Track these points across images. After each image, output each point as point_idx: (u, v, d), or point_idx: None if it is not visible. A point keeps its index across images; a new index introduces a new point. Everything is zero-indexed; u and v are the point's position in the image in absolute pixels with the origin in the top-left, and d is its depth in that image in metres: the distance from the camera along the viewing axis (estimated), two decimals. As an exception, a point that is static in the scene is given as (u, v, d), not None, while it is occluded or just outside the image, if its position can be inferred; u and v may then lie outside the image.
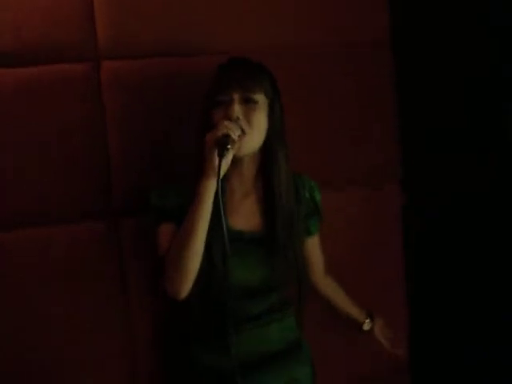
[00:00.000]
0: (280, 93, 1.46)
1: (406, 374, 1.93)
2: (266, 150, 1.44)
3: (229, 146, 1.27)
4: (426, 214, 1.87)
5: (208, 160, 1.29)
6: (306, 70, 1.79)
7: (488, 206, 1.68)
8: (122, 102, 1.62)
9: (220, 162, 1.27)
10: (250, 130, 1.36)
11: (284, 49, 1.76)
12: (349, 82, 1.83)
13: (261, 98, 1.39)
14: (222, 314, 1.39)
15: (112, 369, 1.67)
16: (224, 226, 1.27)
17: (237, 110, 1.36)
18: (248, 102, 1.37)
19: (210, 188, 1.29)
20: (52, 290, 1.60)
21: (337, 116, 1.82)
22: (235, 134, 1.30)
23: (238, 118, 1.34)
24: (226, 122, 1.31)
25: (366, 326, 1.71)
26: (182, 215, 1.35)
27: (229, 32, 1.70)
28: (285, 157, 1.45)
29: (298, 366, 1.53)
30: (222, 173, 1.28)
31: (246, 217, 1.46)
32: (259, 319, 1.46)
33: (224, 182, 1.38)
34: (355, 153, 1.85)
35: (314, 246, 1.60)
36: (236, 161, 1.38)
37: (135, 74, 1.62)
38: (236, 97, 1.36)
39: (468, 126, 1.76)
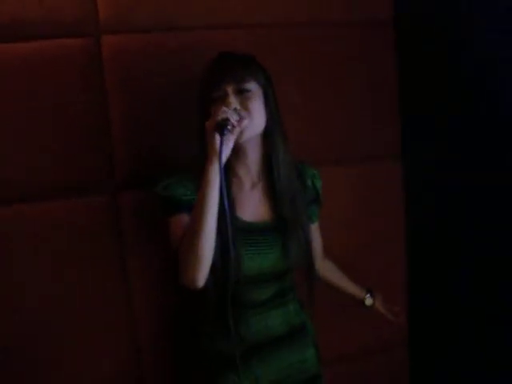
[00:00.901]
0: (272, 82, 1.46)
1: (405, 347, 1.96)
2: (266, 138, 1.45)
3: (229, 127, 1.28)
4: (426, 190, 1.87)
5: (210, 145, 1.30)
6: (308, 47, 1.79)
7: (488, 181, 1.68)
8: (122, 77, 1.61)
9: (222, 141, 1.27)
10: (250, 117, 1.37)
11: (285, 26, 1.76)
12: (351, 61, 1.84)
13: (254, 87, 1.41)
14: (232, 300, 1.40)
15: (112, 344, 1.68)
16: (227, 210, 1.28)
17: (233, 101, 1.37)
18: (242, 93, 1.39)
19: (215, 172, 1.29)
20: (52, 264, 1.61)
21: (338, 93, 1.82)
22: (234, 118, 1.31)
23: (235, 109, 1.35)
24: (224, 108, 1.31)
25: (368, 302, 1.74)
26: (192, 206, 1.36)
27: (229, 7, 1.69)
28: (283, 142, 1.47)
29: (302, 349, 1.57)
30: (225, 157, 1.29)
31: (254, 207, 1.48)
32: (265, 305, 1.49)
33: (229, 174, 1.41)
34: (356, 129, 1.85)
35: (314, 232, 1.61)
36: (239, 150, 1.41)
37: (136, 49, 1.62)
38: (230, 89, 1.38)
39: (470, 105, 1.76)
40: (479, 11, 1.66)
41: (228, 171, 1.40)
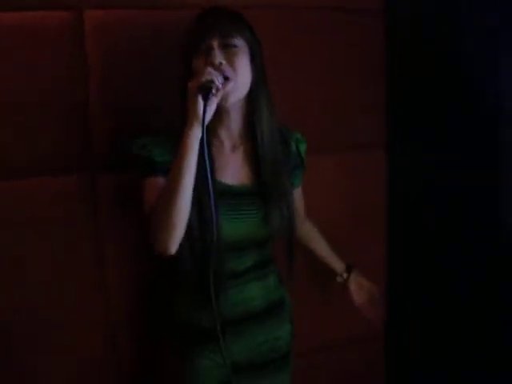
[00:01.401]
0: (260, 42, 1.43)
1: (381, 341, 1.95)
2: (250, 99, 1.41)
3: (213, 91, 1.24)
4: (410, 179, 1.86)
5: (191, 108, 1.26)
6: (296, 31, 1.76)
7: (472, 173, 1.67)
8: (104, 52, 1.57)
9: (205, 106, 1.23)
10: (235, 76, 1.33)
11: (275, 7, 1.73)
12: (338, 47, 1.81)
13: (241, 43, 1.37)
14: (207, 269, 1.35)
15: (87, 325, 1.64)
16: (209, 177, 1.24)
17: (218, 55, 1.33)
18: (228, 47, 1.35)
19: (195, 137, 1.25)
20: (26, 244, 1.57)
21: (323, 80, 1.80)
22: (218, 80, 1.27)
23: (220, 64, 1.32)
24: (209, 69, 1.28)
25: (339, 279, 1.70)
26: (168, 169, 1.32)
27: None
28: (267, 104, 1.43)
29: (279, 324, 1.54)
30: (207, 121, 1.24)
31: (235, 170, 1.44)
32: (243, 276, 1.45)
33: (210, 135, 1.36)
34: (342, 117, 1.84)
35: (296, 196, 1.56)
36: (222, 112, 1.37)
37: (118, 25, 1.57)
38: (215, 43, 1.34)
39: (457, 96, 1.74)
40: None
41: (209, 132, 1.32)
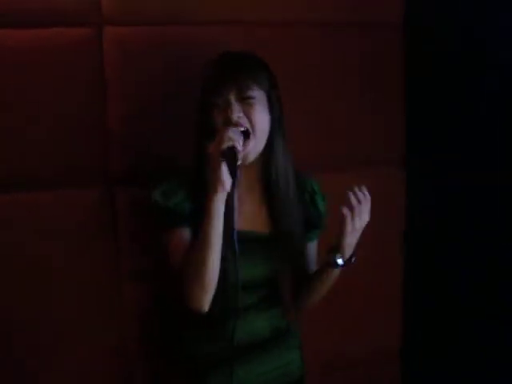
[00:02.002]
0: (276, 82, 1.43)
1: (396, 359, 1.93)
2: (267, 142, 1.41)
3: (239, 163, 1.26)
4: (429, 200, 1.84)
5: (214, 173, 1.27)
6: (315, 47, 1.76)
7: (499, 192, 1.64)
8: (123, 69, 1.59)
9: (234, 181, 1.26)
10: (253, 131, 1.34)
11: (292, 25, 1.73)
12: (356, 63, 1.80)
13: (258, 93, 1.37)
14: (221, 305, 1.39)
15: (99, 341, 1.66)
16: (235, 238, 1.30)
17: (235, 110, 1.33)
18: (245, 99, 1.35)
19: (220, 202, 1.28)
20: (44, 256, 1.58)
21: (341, 96, 1.79)
22: (240, 143, 1.28)
23: (238, 118, 1.33)
24: (230, 133, 1.28)
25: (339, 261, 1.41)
26: (193, 217, 1.35)
27: (233, 3, 1.66)
28: (285, 151, 1.43)
29: (287, 351, 1.54)
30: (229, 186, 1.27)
31: (251, 215, 1.44)
32: (251, 309, 1.45)
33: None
34: (359, 134, 1.82)
35: (310, 250, 1.55)
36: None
37: (138, 42, 1.59)
38: (232, 98, 1.34)
39: (481, 112, 1.71)
40: (492, 12, 1.63)
41: None
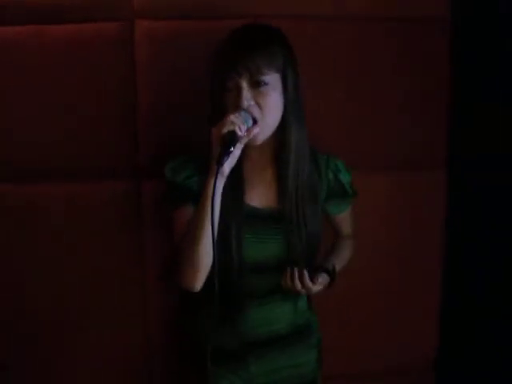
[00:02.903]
0: (294, 60, 1.36)
1: (432, 371, 1.82)
2: (282, 123, 1.35)
3: (231, 149, 1.21)
4: (472, 204, 1.72)
5: (213, 155, 1.24)
6: (356, 43, 1.68)
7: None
8: (154, 63, 1.60)
9: (222, 158, 1.20)
10: (263, 118, 1.29)
11: (332, 19, 1.66)
12: (398, 60, 1.70)
13: (272, 78, 1.30)
14: (232, 290, 1.36)
15: (124, 332, 1.69)
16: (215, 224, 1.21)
17: (246, 96, 1.28)
18: (258, 85, 1.29)
19: (214, 185, 1.23)
20: (68, 247, 1.63)
21: (379, 93, 1.70)
22: (242, 129, 1.23)
23: (249, 106, 1.28)
24: (233, 117, 1.23)
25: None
26: (198, 196, 1.32)
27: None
28: (299, 129, 1.37)
29: (304, 350, 1.49)
30: (228, 169, 1.24)
31: (263, 191, 1.41)
32: (265, 297, 1.41)
33: (242, 156, 1.30)
34: (399, 134, 1.72)
35: (340, 220, 1.55)
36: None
37: (169, 35, 1.59)
38: (244, 82, 1.28)
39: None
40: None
41: (241, 153, 1.29)
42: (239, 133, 1.23)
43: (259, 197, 1.41)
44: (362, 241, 1.64)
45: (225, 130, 1.22)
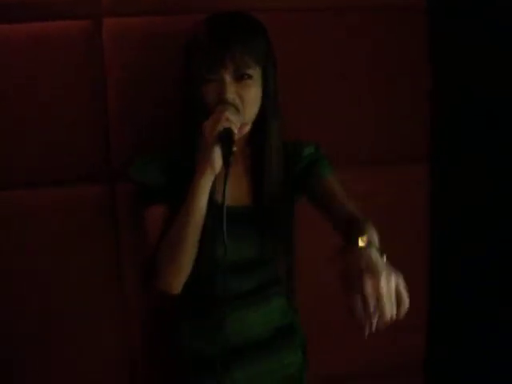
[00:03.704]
0: (274, 54, 1.32)
1: (420, 372, 1.77)
2: (258, 119, 1.31)
3: (234, 148, 1.17)
4: (456, 201, 1.67)
5: (206, 156, 1.19)
6: (334, 35, 1.63)
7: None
8: (123, 61, 1.54)
9: (228, 165, 1.17)
10: (243, 111, 1.24)
11: (306, 9, 1.61)
12: (378, 50, 1.65)
13: (255, 72, 1.26)
14: (208, 292, 1.32)
15: (101, 336, 1.63)
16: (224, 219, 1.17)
17: (230, 90, 1.23)
18: (241, 78, 1.25)
19: (206, 186, 1.22)
20: (44, 253, 1.58)
21: (359, 87, 1.66)
22: (237, 126, 1.19)
23: (233, 99, 1.23)
24: (228, 114, 1.18)
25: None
26: (170, 194, 1.29)
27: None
28: (277, 126, 1.33)
29: (287, 352, 1.43)
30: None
31: (234, 189, 1.33)
32: (243, 299, 1.36)
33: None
34: (380, 128, 1.68)
35: (330, 185, 1.35)
36: None
37: (138, 32, 1.53)
38: (227, 76, 1.23)
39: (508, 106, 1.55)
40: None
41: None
42: (235, 130, 1.19)
43: (230, 194, 1.31)
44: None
45: (220, 128, 1.18)
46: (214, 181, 1.25)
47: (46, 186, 1.57)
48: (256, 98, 1.28)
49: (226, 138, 1.17)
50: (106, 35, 1.53)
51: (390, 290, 0.97)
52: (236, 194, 1.34)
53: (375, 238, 1.07)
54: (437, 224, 1.70)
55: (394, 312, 0.97)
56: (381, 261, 1.01)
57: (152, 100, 1.57)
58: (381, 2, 1.63)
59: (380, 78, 1.66)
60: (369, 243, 1.04)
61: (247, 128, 1.23)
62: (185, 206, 1.24)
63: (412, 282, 1.70)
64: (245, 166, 1.37)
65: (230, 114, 1.19)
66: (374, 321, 0.97)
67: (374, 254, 1.02)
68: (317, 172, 1.37)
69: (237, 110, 1.23)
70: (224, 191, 1.17)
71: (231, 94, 1.23)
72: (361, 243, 1.04)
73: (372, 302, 0.95)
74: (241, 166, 1.36)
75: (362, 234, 1.05)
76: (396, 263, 1.67)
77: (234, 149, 1.18)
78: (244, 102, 1.25)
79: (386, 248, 1.64)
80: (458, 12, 1.57)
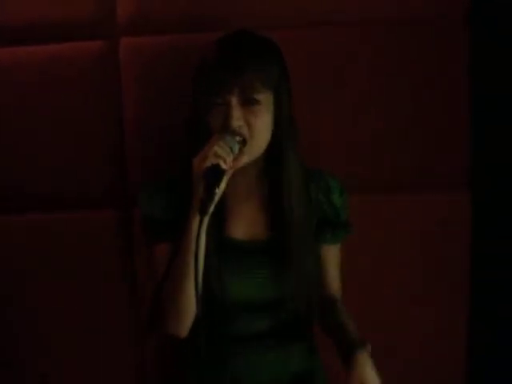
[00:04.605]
0: (288, 74, 1.22)
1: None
2: (273, 145, 1.21)
3: (216, 191, 1.06)
4: (500, 226, 1.51)
5: (195, 193, 1.11)
6: (367, 48, 1.51)
7: None
8: (140, 81, 1.49)
9: (204, 213, 1.05)
10: (252, 139, 1.15)
11: (337, 23, 1.50)
12: (411, 67, 1.51)
13: (264, 96, 1.16)
14: (217, 334, 1.23)
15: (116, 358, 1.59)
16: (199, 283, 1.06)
17: (236, 115, 1.14)
18: (249, 104, 1.15)
19: (199, 225, 1.07)
20: (58, 277, 1.55)
21: (392, 105, 1.52)
22: (227, 161, 1.09)
23: (239, 127, 1.14)
24: (217, 147, 1.08)
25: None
26: (176, 229, 1.19)
27: (262, 5, 1.48)
28: (294, 152, 1.23)
29: None
30: (212, 205, 1.08)
31: (247, 222, 1.26)
32: (256, 342, 1.25)
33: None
34: (415, 149, 1.53)
35: (329, 256, 1.32)
36: None
37: (155, 51, 1.49)
38: (234, 100, 1.14)
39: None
40: None
41: None
42: (224, 166, 1.08)
43: (243, 228, 1.25)
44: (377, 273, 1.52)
45: (208, 164, 1.08)
46: (222, 213, 1.17)
47: (59, 210, 1.54)
48: (266, 125, 1.18)
49: (212, 175, 1.07)
50: (123, 55, 1.49)
51: None
52: (252, 228, 1.26)
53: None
54: (480, 253, 1.54)
55: None
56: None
57: (170, 120, 1.50)
58: (418, 15, 1.50)
59: (415, 96, 1.52)
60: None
61: (243, 161, 1.14)
62: (181, 253, 1.15)
63: (450, 327, 1.57)
64: (262, 198, 1.27)
65: (220, 148, 1.09)
66: None
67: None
68: (328, 233, 1.30)
69: (241, 138, 1.13)
70: (197, 244, 1.05)
71: (237, 120, 1.14)
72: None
73: None
74: (257, 199, 1.27)
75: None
76: (432, 307, 1.56)
77: (216, 191, 1.06)
78: (252, 130, 1.15)
79: (426, 280, 1.54)
80: (499, 22, 1.42)
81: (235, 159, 1.12)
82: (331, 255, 1.33)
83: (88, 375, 1.59)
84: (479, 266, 1.54)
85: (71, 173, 1.53)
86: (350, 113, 1.52)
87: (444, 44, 1.50)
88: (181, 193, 1.21)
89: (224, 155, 1.08)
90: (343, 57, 1.51)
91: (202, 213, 1.05)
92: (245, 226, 1.25)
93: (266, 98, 1.16)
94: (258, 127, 1.15)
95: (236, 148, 1.12)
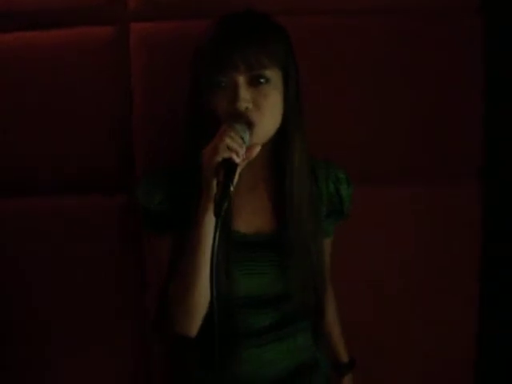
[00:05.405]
0: (294, 56, 1.17)
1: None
2: (280, 132, 1.16)
3: (231, 189, 0.99)
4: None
5: (206, 188, 1.04)
6: (378, 39, 1.49)
7: None
8: (150, 66, 1.47)
9: (220, 215, 0.97)
10: (261, 122, 1.08)
11: (349, 12, 1.48)
12: (423, 57, 1.49)
13: (273, 74, 1.09)
14: (224, 330, 1.15)
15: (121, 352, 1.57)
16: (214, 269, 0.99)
17: (244, 96, 1.06)
18: (257, 82, 1.08)
19: (212, 224, 1.03)
20: (64, 261, 1.53)
21: (405, 94, 1.50)
22: (240, 154, 1.01)
23: (246, 110, 1.07)
24: (229, 140, 1.01)
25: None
26: (176, 220, 1.17)
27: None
28: (301, 139, 1.18)
29: None
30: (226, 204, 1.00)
31: (252, 215, 1.21)
32: (259, 337, 1.22)
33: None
34: (426, 140, 1.51)
35: (324, 248, 1.29)
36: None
37: (165, 37, 1.46)
38: (241, 78, 1.07)
39: None
40: None
41: None
42: (237, 160, 1.01)
43: (249, 221, 1.21)
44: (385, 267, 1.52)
45: (219, 159, 1.01)
46: (229, 207, 1.08)
47: (66, 195, 1.52)
48: (276, 106, 1.11)
49: (225, 169, 1.00)
50: (134, 40, 1.48)
51: None
52: (257, 220, 1.21)
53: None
54: (492, 248, 1.51)
55: None
56: None
57: (179, 105, 1.46)
58: (433, 4, 1.47)
59: (424, 83, 1.50)
60: None
61: (256, 150, 1.06)
62: (191, 244, 1.10)
63: (458, 325, 1.54)
64: (268, 188, 1.22)
65: (231, 140, 1.01)
66: None
67: None
68: (331, 224, 1.29)
69: (249, 124, 1.07)
70: (213, 244, 0.98)
71: (245, 101, 1.06)
72: None
73: None
74: (262, 189, 1.23)
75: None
76: (440, 302, 1.53)
77: (231, 189, 0.99)
78: (262, 113, 1.08)
79: (435, 274, 1.52)
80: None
81: (248, 150, 1.05)
82: (328, 245, 1.32)
83: (89, 375, 1.58)
84: (490, 264, 1.52)
85: (79, 157, 1.51)
86: (362, 103, 1.50)
87: (457, 34, 1.48)
88: (183, 184, 1.17)
89: (236, 147, 1.01)
90: (357, 46, 1.48)
91: (218, 215, 0.98)
92: (248, 218, 1.21)
93: (274, 76, 1.10)
94: (267, 108, 1.09)
95: (247, 137, 1.05)
